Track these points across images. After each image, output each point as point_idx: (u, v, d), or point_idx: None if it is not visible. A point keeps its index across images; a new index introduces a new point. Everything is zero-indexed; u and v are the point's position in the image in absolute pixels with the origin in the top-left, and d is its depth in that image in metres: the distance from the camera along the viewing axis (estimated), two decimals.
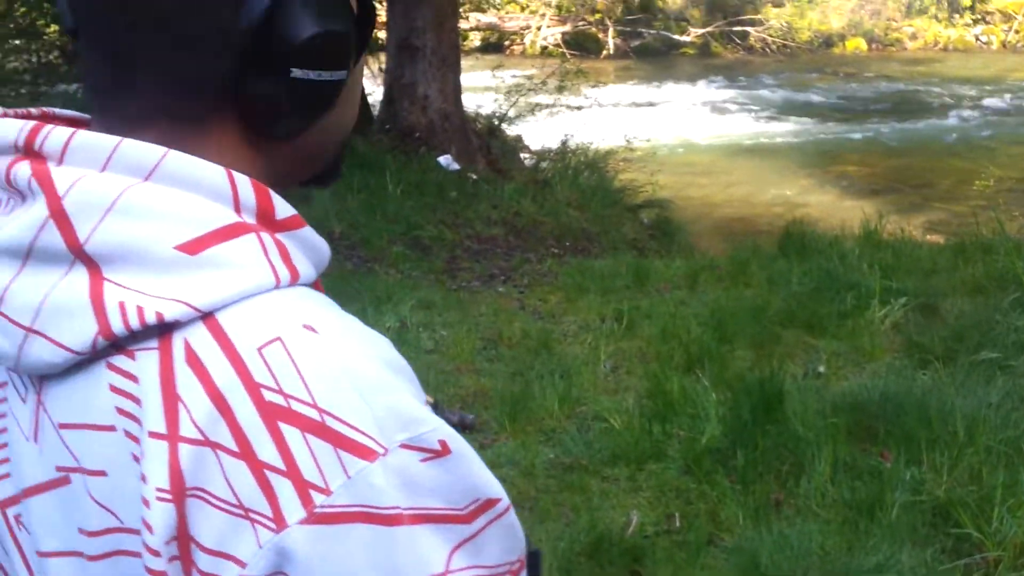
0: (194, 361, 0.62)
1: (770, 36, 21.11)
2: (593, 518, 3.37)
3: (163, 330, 0.63)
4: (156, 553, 0.61)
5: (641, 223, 8.53)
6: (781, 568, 3.05)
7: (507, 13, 21.46)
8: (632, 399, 4.26)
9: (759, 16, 21.49)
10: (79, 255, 0.63)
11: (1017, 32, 22.22)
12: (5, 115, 0.69)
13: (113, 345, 0.63)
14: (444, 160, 8.13)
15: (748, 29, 21.21)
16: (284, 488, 0.59)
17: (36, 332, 0.64)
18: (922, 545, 3.16)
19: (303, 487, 0.59)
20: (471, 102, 9.70)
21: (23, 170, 0.65)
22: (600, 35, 20.91)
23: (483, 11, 20.67)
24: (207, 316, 0.63)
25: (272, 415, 0.60)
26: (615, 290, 5.77)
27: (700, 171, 11.90)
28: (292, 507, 0.59)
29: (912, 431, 3.69)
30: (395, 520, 0.60)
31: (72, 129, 0.65)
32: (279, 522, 0.59)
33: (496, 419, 4.13)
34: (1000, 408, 3.86)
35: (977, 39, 22.44)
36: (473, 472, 0.64)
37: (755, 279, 5.85)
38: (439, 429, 0.63)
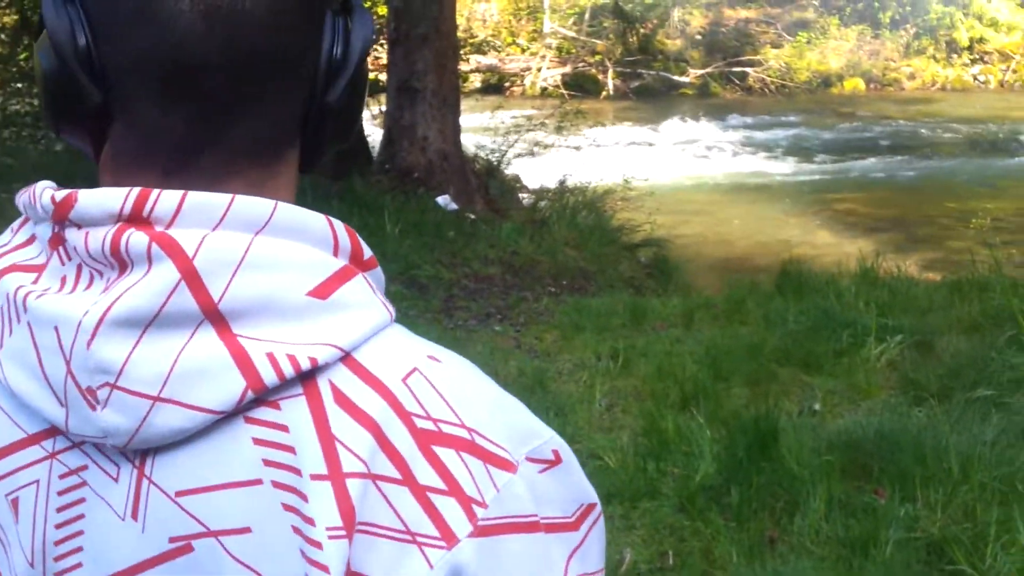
0: (343, 400, 0.63)
1: (769, 76, 21.25)
2: None
3: (305, 376, 0.63)
4: None
5: (638, 262, 8.54)
6: None
7: (507, 55, 21.67)
8: (627, 437, 4.25)
9: (758, 57, 21.65)
10: (209, 314, 0.62)
11: (1015, 72, 22.37)
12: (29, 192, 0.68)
13: (254, 399, 0.63)
14: (442, 200, 8.16)
15: (747, 70, 21.38)
16: (448, 506, 0.62)
17: (165, 400, 0.62)
18: None
19: (466, 502, 0.63)
20: (470, 142, 9.76)
21: (138, 237, 0.62)
22: (600, 76, 21.05)
23: (484, 53, 20.89)
24: (346, 356, 0.65)
25: (426, 440, 0.63)
26: (611, 328, 5.78)
27: (698, 210, 11.95)
28: (459, 523, 0.62)
29: (907, 468, 3.68)
30: (535, 528, 0.65)
31: (181, 192, 0.64)
32: (449, 539, 0.62)
33: None
34: (995, 445, 3.86)
35: (975, 79, 22.55)
36: (580, 479, 0.68)
37: (751, 317, 5.86)
38: (552, 440, 0.68)
